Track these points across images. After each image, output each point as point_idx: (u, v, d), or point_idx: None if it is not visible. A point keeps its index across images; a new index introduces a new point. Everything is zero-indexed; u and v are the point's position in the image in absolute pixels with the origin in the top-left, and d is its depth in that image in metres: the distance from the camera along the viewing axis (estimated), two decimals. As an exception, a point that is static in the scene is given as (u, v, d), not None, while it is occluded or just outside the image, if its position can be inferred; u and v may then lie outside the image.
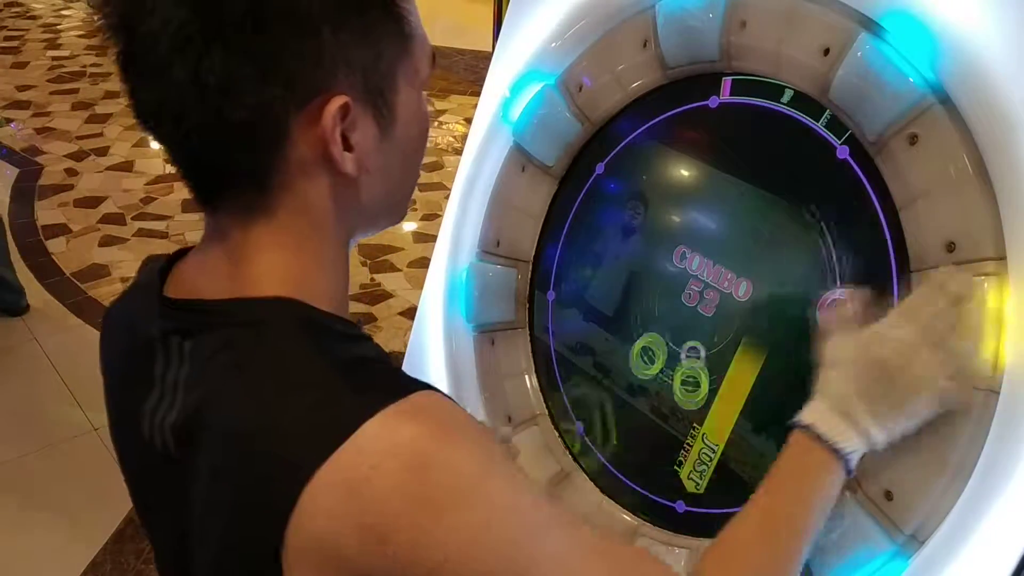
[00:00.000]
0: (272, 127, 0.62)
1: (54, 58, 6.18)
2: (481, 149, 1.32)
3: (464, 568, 0.57)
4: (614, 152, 1.16)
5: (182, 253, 0.74)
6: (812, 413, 0.79)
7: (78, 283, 3.48)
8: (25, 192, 4.20)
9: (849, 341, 0.81)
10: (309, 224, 0.66)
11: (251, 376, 0.62)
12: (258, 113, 0.60)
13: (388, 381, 0.62)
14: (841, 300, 0.88)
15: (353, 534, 0.55)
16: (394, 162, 0.70)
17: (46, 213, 4.01)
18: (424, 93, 0.73)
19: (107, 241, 3.86)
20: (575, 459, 1.18)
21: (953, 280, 0.79)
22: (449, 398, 0.63)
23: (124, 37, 0.62)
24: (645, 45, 1.09)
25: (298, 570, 0.57)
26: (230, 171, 0.64)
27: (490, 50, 1.56)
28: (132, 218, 4.05)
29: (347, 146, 0.64)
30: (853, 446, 0.77)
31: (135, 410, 0.69)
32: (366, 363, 0.64)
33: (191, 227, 3.95)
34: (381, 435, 0.56)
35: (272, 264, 0.66)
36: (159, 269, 0.72)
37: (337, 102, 0.62)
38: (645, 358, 1.09)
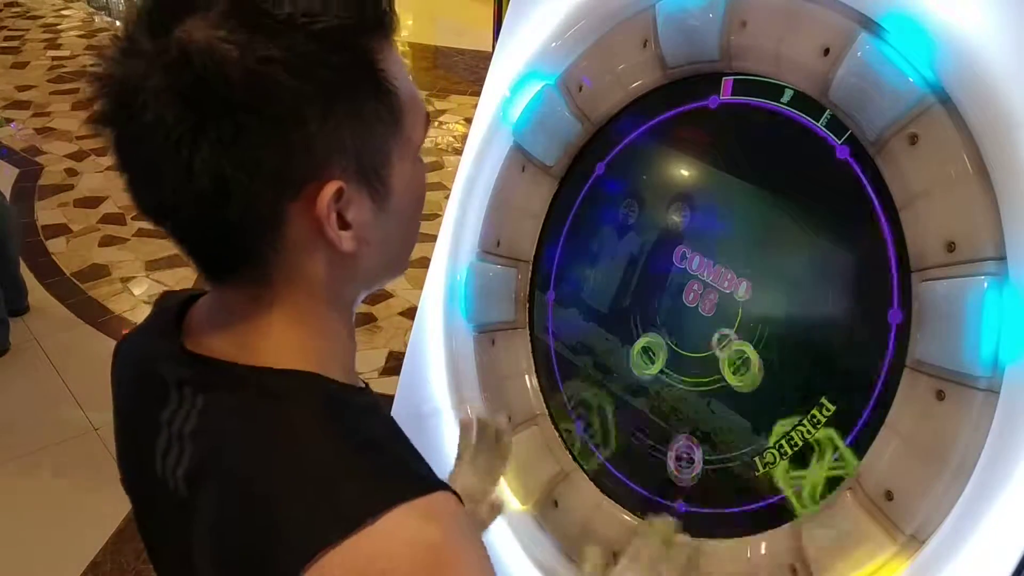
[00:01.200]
0: (267, 219, 0.62)
1: (54, 58, 6.18)
2: (481, 149, 1.32)
3: None
4: (614, 152, 1.16)
5: (195, 297, 0.74)
6: None
7: (78, 283, 3.48)
8: (25, 192, 4.20)
9: None
10: (312, 298, 0.67)
11: (265, 449, 0.62)
12: (251, 210, 0.60)
13: (409, 471, 0.62)
14: None
15: None
16: (392, 231, 0.70)
17: (46, 213, 4.01)
18: (422, 158, 0.72)
19: (107, 241, 3.86)
20: (575, 459, 1.18)
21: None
22: (459, 500, 0.64)
23: (116, 128, 0.62)
24: (645, 45, 1.09)
25: None
26: (230, 257, 0.65)
27: (490, 50, 1.56)
28: (132, 218, 4.04)
29: (344, 225, 0.64)
30: None
31: (146, 447, 0.69)
32: (385, 444, 0.65)
33: (191, 227, 3.94)
34: (402, 529, 0.56)
35: (285, 337, 0.66)
36: (175, 312, 0.72)
37: (331, 188, 0.61)
38: (645, 358, 1.09)
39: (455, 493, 0.63)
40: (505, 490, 1.17)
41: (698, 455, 1.02)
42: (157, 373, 0.69)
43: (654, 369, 1.08)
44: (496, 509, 1.06)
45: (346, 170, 0.62)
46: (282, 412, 0.63)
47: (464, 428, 1.07)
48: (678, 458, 1.04)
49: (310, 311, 0.67)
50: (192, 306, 0.73)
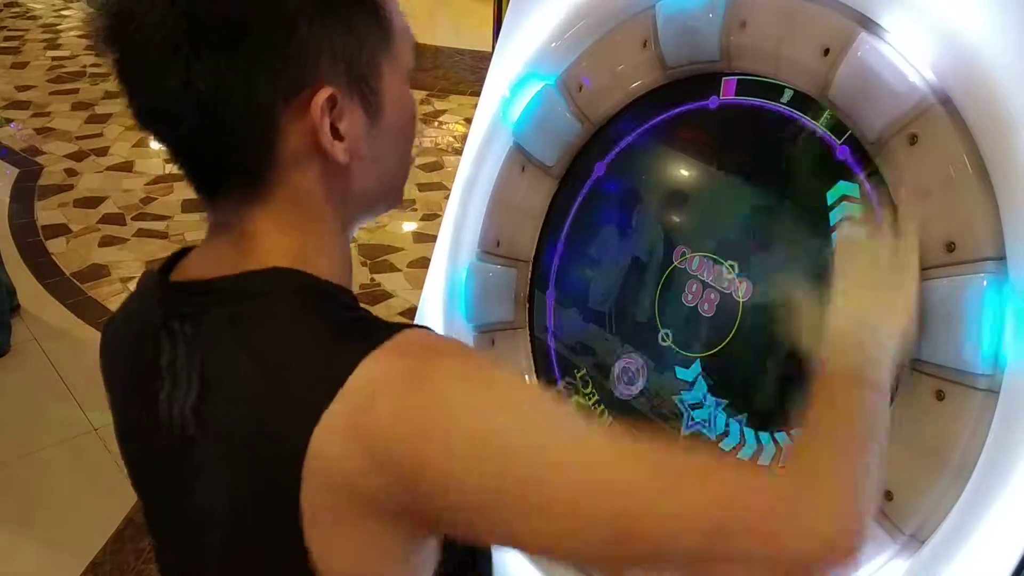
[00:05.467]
0: (262, 124, 0.65)
1: (54, 58, 6.18)
2: (481, 149, 1.32)
3: (475, 480, 0.58)
4: (614, 152, 1.16)
5: (184, 252, 0.75)
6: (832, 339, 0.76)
7: (78, 283, 3.47)
8: (25, 192, 4.20)
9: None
10: (306, 211, 0.69)
11: (252, 346, 0.64)
12: (248, 112, 0.63)
13: (380, 329, 0.64)
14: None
15: (369, 469, 0.58)
16: (384, 147, 0.72)
17: (46, 213, 4.01)
18: (419, 91, 0.74)
19: (107, 241, 3.86)
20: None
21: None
22: (434, 331, 0.67)
23: (117, 46, 0.65)
24: (645, 45, 1.09)
25: (320, 519, 0.59)
26: (226, 166, 0.67)
27: (490, 50, 1.56)
28: (132, 218, 4.04)
29: (337, 135, 0.66)
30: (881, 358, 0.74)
31: (149, 405, 0.70)
32: (362, 320, 0.67)
33: (191, 227, 3.95)
34: (374, 371, 0.59)
35: (274, 242, 0.68)
36: (160, 266, 0.74)
37: (324, 94, 0.64)
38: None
39: (425, 327, 0.66)
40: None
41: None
42: (148, 329, 0.71)
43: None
44: None
45: (338, 76, 0.66)
46: (263, 306, 0.66)
47: None
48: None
49: (301, 223, 0.69)
50: (180, 260, 0.74)
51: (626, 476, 0.59)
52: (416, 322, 0.66)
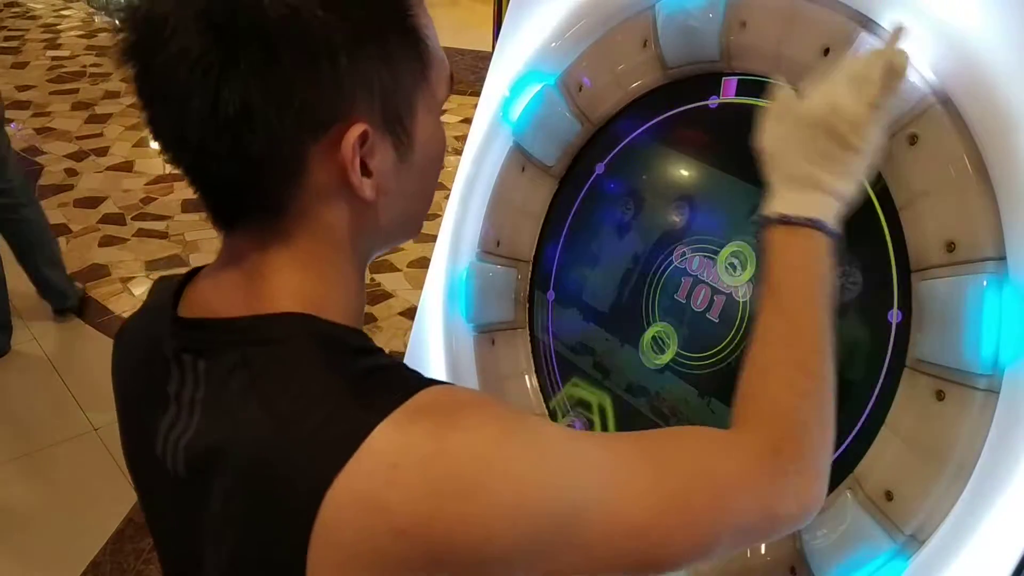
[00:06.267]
0: (290, 157, 0.62)
1: (54, 58, 6.18)
2: (481, 149, 1.32)
3: (512, 535, 0.57)
4: (614, 152, 1.16)
5: (194, 273, 0.73)
6: (774, 202, 0.77)
7: (78, 283, 3.48)
8: (25, 192, 4.20)
9: (777, 119, 0.80)
10: (327, 247, 0.66)
11: (265, 395, 0.62)
12: (276, 144, 0.60)
13: (394, 386, 0.62)
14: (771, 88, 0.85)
15: (389, 539, 0.56)
16: (412, 183, 0.70)
17: (46, 213, 4.00)
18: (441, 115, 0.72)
19: (107, 241, 3.86)
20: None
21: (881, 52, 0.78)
22: (450, 385, 0.64)
23: (141, 61, 0.61)
24: (645, 45, 1.09)
25: None
26: (247, 198, 0.64)
27: (490, 50, 1.56)
28: (132, 218, 4.05)
29: (365, 172, 0.64)
30: (829, 212, 0.75)
31: (150, 428, 0.69)
32: (376, 372, 0.64)
33: (191, 227, 3.95)
34: (392, 437, 0.57)
35: (287, 282, 0.65)
36: (172, 289, 0.72)
37: (357, 130, 0.62)
38: (655, 347, 1.09)
39: (440, 382, 0.63)
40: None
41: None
42: (158, 351, 0.69)
43: (665, 358, 1.07)
44: None
45: (372, 113, 0.63)
46: (276, 355, 0.63)
47: None
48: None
49: (319, 259, 0.66)
50: (189, 283, 0.72)
51: (649, 514, 0.63)
52: (430, 380, 0.64)
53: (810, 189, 0.76)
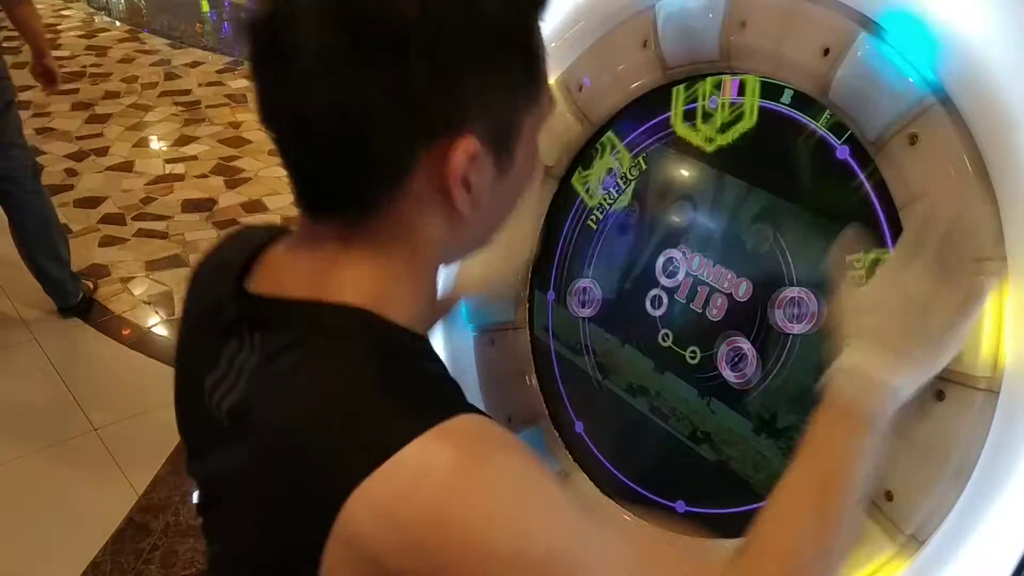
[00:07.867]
0: (398, 159, 0.62)
1: (54, 58, 6.17)
2: (481, 149, 1.32)
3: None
4: (614, 152, 1.16)
5: (276, 235, 0.74)
6: (853, 357, 0.76)
7: (88, 281, 3.48)
8: (25, 192, 4.19)
9: (867, 289, 0.79)
10: (409, 251, 0.67)
11: (312, 381, 0.63)
12: (388, 146, 0.61)
13: (437, 401, 0.63)
14: (849, 261, 0.86)
15: (395, 549, 0.57)
16: (502, 200, 0.71)
17: (49, 212, 4.01)
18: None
19: (107, 241, 3.86)
20: (575, 459, 1.18)
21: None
22: (488, 418, 0.64)
23: (265, 42, 0.62)
24: (645, 45, 1.09)
25: (338, 570, 0.59)
26: (345, 192, 0.65)
27: (490, 50, 1.55)
28: (132, 218, 4.05)
29: (466, 186, 0.64)
30: (903, 381, 0.75)
31: (199, 376, 0.71)
32: (423, 380, 0.65)
33: (191, 227, 3.95)
34: (422, 455, 0.58)
35: (358, 276, 0.66)
36: (246, 254, 0.73)
37: (469, 144, 0.62)
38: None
39: (483, 413, 0.63)
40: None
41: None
42: (219, 312, 0.71)
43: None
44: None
45: (484, 129, 0.63)
46: (328, 347, 0.64)
47: None
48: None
49: (398, 260, 0.67)
50: (267, 247, 0.73)
51: None
52: (470, 406, 0.64)
53: (898, 356, 0.75)
